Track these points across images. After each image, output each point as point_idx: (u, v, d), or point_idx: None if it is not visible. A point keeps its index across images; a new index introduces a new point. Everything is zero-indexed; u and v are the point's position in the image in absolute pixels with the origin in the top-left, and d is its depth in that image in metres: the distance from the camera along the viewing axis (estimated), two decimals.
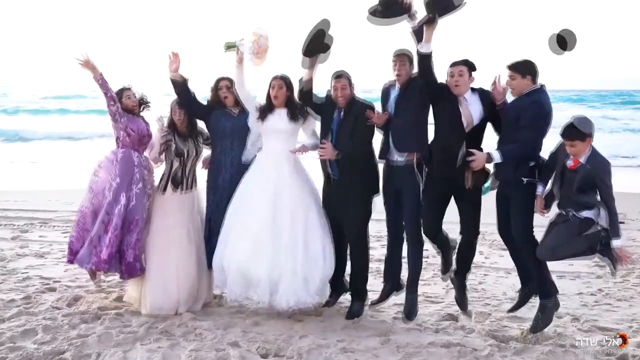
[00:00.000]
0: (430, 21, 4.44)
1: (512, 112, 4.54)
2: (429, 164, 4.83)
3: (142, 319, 4.89)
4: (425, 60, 4.52)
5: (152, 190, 5.22)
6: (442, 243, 5.04)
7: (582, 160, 4.26)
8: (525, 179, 4.51)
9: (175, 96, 5.20)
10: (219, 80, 5.27)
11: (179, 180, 5.18)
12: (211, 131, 5.31)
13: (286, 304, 4.75)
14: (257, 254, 4.78)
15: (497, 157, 4.49)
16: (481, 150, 4.65)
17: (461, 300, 5.13)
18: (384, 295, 5.23)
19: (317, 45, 4.80)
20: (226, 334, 4.65)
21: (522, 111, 4.43)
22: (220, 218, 5.07)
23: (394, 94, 4.94)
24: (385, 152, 5.00)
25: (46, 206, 9.47)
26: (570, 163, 4.31)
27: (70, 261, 5.16)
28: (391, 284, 5.22)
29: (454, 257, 5.10)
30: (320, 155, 4.92)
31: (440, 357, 4.33)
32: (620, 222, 8.86)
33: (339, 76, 4.92)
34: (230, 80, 5.20)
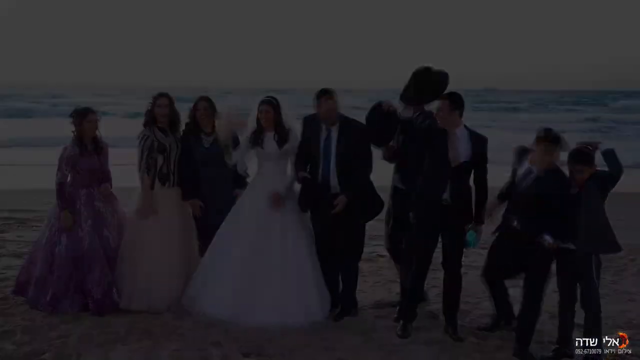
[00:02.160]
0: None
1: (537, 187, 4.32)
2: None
3: (123, 320, 4.84)
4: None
5: (117, 216, 5.24)
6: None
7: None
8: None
9: (156, 90, 5.35)
10: (197, 101, 5.27)
11: (165, 175, 5.20)
12: None
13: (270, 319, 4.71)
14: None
15: (549, 240, 4.27)
16: (469, 188, 4.64)
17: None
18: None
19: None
20: (208, 333, 4.64)
21: (549, 189, 4.26)
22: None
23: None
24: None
25: (23, 206, 9.32)
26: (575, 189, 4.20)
27: (15, 292, 5.21)
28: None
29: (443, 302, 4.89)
30: (336, 212, 4.85)
31: (421, 354, 4.38)
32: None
33: (327, 92, 4.89)
34: (209, 101, 5.22)
